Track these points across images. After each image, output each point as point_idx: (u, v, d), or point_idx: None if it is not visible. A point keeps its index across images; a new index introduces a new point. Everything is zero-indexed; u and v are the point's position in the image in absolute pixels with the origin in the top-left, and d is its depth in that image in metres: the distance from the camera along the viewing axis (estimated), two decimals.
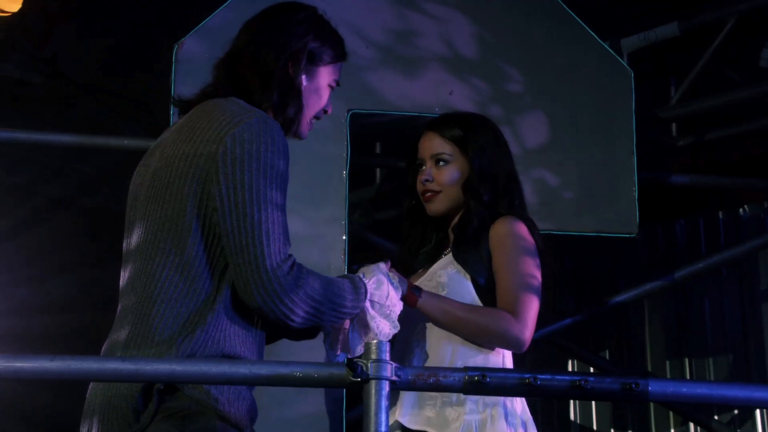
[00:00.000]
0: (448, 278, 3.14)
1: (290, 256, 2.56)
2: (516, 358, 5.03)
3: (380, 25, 4.25)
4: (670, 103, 5.13)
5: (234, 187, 2.50)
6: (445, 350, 3.08)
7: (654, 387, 2.32)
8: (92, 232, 5.36)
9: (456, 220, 3.30)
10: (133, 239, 2.64)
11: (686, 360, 5.91)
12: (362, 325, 2.78)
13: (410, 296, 3.00)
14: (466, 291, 3.12)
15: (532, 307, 3.07)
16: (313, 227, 3.99)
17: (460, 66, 4.26)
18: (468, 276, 3.13)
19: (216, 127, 2.56)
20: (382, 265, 2.86)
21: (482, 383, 2.31)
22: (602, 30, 4.72)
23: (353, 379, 2.26)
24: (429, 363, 3.10)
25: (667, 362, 5.95)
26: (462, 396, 3.00)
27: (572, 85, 4.33)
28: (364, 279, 2.80)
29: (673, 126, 5.34)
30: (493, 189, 3.26)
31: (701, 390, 2.34)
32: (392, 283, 2.85)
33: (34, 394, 5.03)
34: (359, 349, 2.75)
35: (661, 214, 5.92)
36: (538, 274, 3.14)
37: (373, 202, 5.75)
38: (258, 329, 2.61)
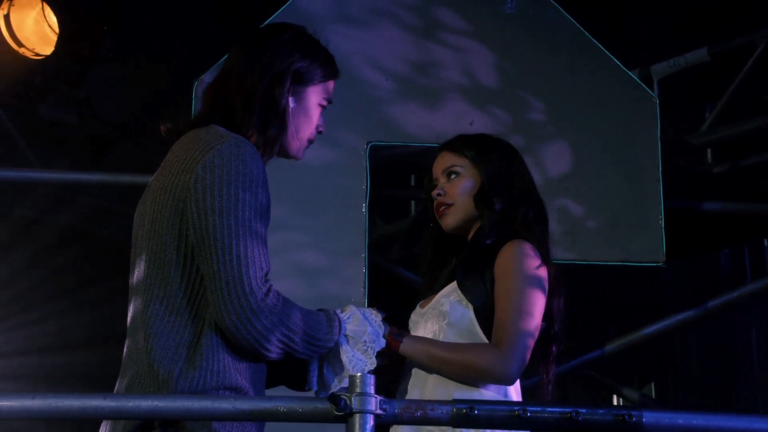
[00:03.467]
0: (449, 307, 3.06)
1: (267, 281, 2.50)
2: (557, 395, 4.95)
3: (399, 57, 4.24)
4: (701, 129, 5.04)
5: (205, 213, 2.47)
6: (440, 394, 3.00)
7: (648, 418, 2.24)
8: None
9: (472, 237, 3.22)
10: (133, 278, 2.64)
11: (732, 393, 5.78)
12: (335, 359, 2.70)
13: (392, 342, 2.92)
14: (466, 319, 3.04)
15: (523, 340, 2.95)
16: (332, 260, 3.97)
17: (481, 96, 4.23)
18: (470, 305, 3.05)
19: (190, 156, 2.53)
20: (366, 309, 2.80)
21: (470, 416, 2.25)
22: (631, 57, 4.67)
23: (337, 413, 2.22)
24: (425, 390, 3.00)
25: (714, 395, 5.83)
26: None
27: (596, 112, 4.28)
28: (339, 314, 2.74)
29: (708, 152, 5.24)
30: (508, 199, 3.16)
31: (697, 421, 2.26)
32: (371, 321, 2.77)
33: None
34: (334, 385, 2.70)
35: (704, 242, 5.82)
36: (539, 305, 3.02)
37: (409, 235, 5.71)
38: (254, 362, 2.55)
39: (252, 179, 2.51)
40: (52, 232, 5.52)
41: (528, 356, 2.96)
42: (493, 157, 3.22)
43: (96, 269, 5.39)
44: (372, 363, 2.75)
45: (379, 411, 2.23)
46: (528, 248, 3.08)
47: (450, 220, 3.20)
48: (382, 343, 2.80)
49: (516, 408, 2.26)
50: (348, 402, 2.22)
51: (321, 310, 2.71)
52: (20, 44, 5.11)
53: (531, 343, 2.97)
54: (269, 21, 4.20)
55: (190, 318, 2.49)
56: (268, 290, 2.49)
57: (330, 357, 2.70)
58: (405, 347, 2.95)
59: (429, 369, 2.98)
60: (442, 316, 3.06)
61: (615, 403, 5.85)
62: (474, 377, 2.97)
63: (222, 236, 2.46)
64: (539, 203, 3.24)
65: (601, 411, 2.27)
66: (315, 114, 2.79)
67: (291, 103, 2.73)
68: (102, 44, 5.27)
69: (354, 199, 4.05)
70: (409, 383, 3.05)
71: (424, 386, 3.01)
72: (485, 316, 3.03)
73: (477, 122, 4.19)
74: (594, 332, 5.55)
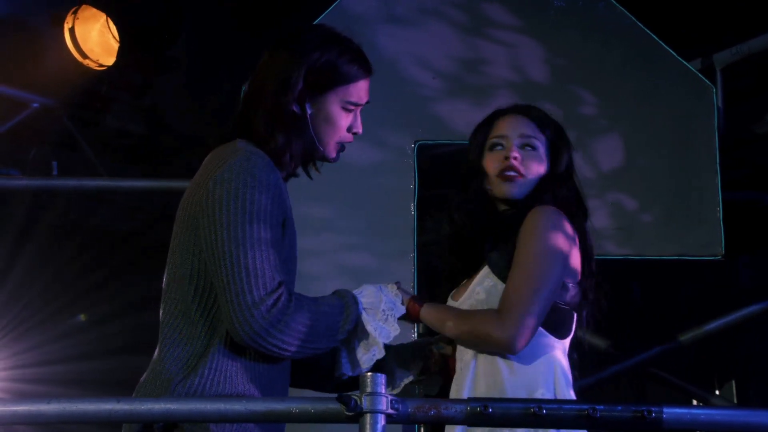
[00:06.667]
0: (485, 293, 2.91)
1: (276, 289, 2.50)
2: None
3: (447, 55, 4.21)
4: (766, 118, 4.89)
5: (214, 228, 2.52)
6: (489, 383, 2.92)
7: (669, 415, 2.18)
8: None
9: None
10: (163, 286, 2.71)
11: None
12: (362, 334, 2.70)
13: (412, 306, 2.87)
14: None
15: (527, 305, 2.77)
16: (381, 261, 3.95)
17: (531, 91, 4.16)
18: (500, 281, 2.89)
19: (206, 172, 2.59)
20: (380, 284, 2.80)
21: (485, 414, 2.22)
22: (692, 47, 4.57)
23: (347, 413, 2.20)
24: (477, 383, 2.91)
25: None
26: None
27: (650, 104, 4.19)
28: (353, 291, 2.73)
29: None
30: (567, 190, 3.00)
31: (719, 417, 2.19)
32: (385, 291, 2.77)
33: None
34: (366, 358, 2.69)
35: None
36: (553, 271, 2.83)
37: None
38: (266, 369, 2.58)
39: (261, 191, 2.54)
40: (118, 239, 5.60)
41: (534, 323, 2.79)
42: (566, 144, 3.08)
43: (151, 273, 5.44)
44: (395, 330, 2.74)
45: (390, 411, 2.21)
46: (553, 212, 2.91)
47: (516, 191, 2.98)
48: (402, 309, 2.79)
49: (531, 405, 2.22)
50: (358, 402, 2.20)
51: (335, 292, 2.71)
52: (85, 56, 5.18)
53: (536, 309, 2.79)
54: (317, 22, 4.20)
55: (203, 330, 2.55)
56: (276, 299, 2.49)
57: (357, 333, 2.69)
58: (423, 313, 2.89)
59: (446, 335, 2.92)
60: (480, 304, 2.91)
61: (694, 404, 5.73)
62: (478, 344, 2.86)
63: (230, 249, 2.50)
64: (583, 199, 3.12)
65: (619, 408, 2.22)
66: (338, 119, 2.73)
67: (308, 110, 2.70)
68: (164, 53, 5.33)
69: (402, 200, 4.03)
70: (461, 379, 2.98)
71: (475, 382, 2.93)
72: None
73: None
74: (667, 330, 5.44)
